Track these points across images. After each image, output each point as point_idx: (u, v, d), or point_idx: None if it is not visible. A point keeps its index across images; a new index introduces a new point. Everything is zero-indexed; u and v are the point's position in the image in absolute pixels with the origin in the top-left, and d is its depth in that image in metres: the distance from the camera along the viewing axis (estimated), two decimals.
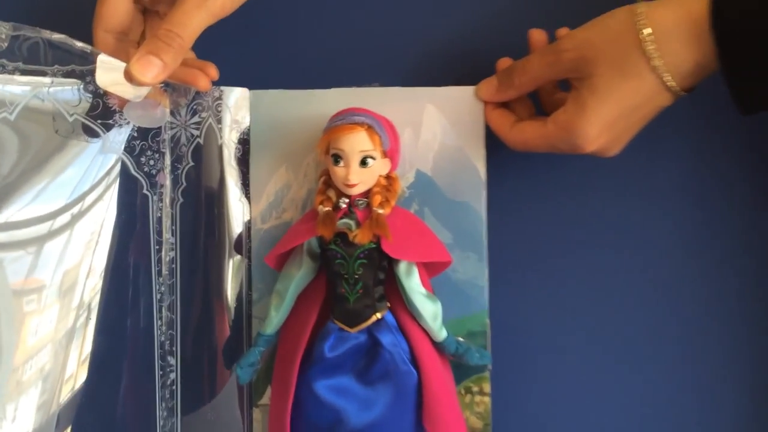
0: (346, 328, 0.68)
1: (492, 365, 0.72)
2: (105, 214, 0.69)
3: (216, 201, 0.75)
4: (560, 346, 0.76)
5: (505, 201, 0.75)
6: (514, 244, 0.76)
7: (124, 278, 0.70)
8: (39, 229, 0.67)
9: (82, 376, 0.68)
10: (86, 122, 0.68)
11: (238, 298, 0.76)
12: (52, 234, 0.68)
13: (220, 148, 0.75)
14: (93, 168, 0.69)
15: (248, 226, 0.76)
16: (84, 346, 0.68)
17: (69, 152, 0.69)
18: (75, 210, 0.69)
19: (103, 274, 0.69)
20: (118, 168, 0.70)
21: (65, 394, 0.68)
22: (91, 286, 0.69)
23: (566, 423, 0.75)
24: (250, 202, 0.75)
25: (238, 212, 0.76)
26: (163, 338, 0.72)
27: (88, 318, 0.69)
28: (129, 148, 0.70)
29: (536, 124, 0.69)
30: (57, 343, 0.67)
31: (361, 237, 0.66)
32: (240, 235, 0.76)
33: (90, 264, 0.69)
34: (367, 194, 0.69)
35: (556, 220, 0.76)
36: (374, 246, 0.67)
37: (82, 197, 0.69)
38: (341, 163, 0.67)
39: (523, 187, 0.76)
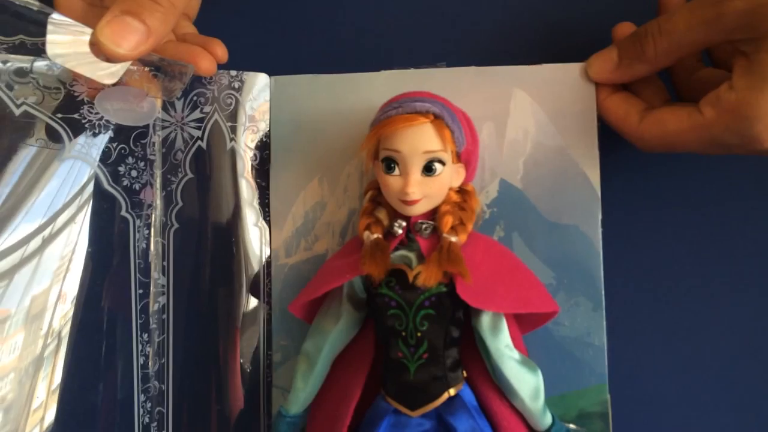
0: (405, 410, 0.47)
1: None
2: (77, 238, 0.50)
3: (224, 227, 0.55)
4: (716, 428, 0.53)
5: (629, 224, 0.53)
6: (643, 285, 0.54)
7: (95, 333, 0.50)
8: (8, 260, 0.48)
9: (52, 406, 0.48)
10: (41, 116, 0.49)
11: (254, 361, 0.55)
12: (22, 263, 0.49)
13: (231, 154, 0.55)
14: (56, 185, 0.50)
15: (268, 260, 0.55)
16: (54, 374, 0.49)
17: (23, 163, 0.49)
18: (45, 233, 0.49)
19: (72, 308, 0.50)
20: (91, 184, 0.50)
21: (33, 425, 0.48)
22: (62, 314, 0.49)
23: None
24: (270, 228, 0.55)
25: (254, 242, 0.56)
26: (147, 419, 0.52)
27: (58, 346, 0.49)
28: (103, 155, 0.51)
29: (682, 112, 0.48)
30: (22, 371, 0.48)
31: (426, 277, 0.46)
32: (257, 274, 0.55)
33: (60, 288, 0.49)
34: (434, 215, 0.48)
35: (701, 250, 0.54)
36: (445, 290, 0.47)
37: (54, 217, 0.49)
38: (396, 171, 0.47)
39: (656, 203, 0.54)
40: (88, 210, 0.51)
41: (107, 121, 0.51)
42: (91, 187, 0.51)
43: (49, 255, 0.49)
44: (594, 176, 0.52)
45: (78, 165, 0.50)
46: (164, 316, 0.53)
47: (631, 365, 0.53)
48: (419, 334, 0.47)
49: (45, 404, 0.50)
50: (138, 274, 0.52)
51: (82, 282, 0.50)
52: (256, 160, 0.56)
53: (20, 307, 0.49)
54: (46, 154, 0.50)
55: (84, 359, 0.50)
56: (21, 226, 0.49)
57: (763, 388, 0.54)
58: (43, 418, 0.50)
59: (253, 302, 0.56)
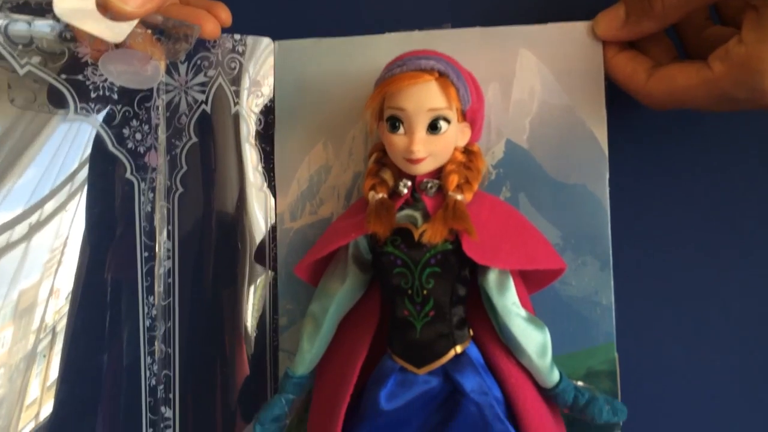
0: (412, 368, 0.47)
1: (624, 422, 0.49)
2: (73, 217, 0.49)
3: (229, 191, 0.55)
4: (722, 396, 0.52)
5: (637, 182, 0.52)
6: (651, 243, 0.53)
7: (98, 301, 0.50)
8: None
9: (48, 402, 0.48)
10: (45, 77, 0.49)
11: (260, 325, 0.55)
12: (7, 247, 0.48)
13: (235, 119, 0.55)
14: (60, 155, 0.50)
15: (273, 225, 0.55)
16: (49, 371, 0.48)
17: (27, 132, 0.49)
18: (33, 219, 0.49)
19: (70, 295, 0.49)
20: (90, 145, 0.50)
21: (26, 421, 0.48)
22: (55, 309, 0.49)
23: None
24: (275, 193, 0.55)
25: (259, 206, 0.55)
26: (153, 381, 0.52)
27: (52, 342, 0.49)
28: (107, 117, 0.51)
29: (691, 68, 0.47)
30: (12, 367, 0.47)
31: (431, 234, 0.45)
32: (262, 239, 0.55)
33: (52, 282, 0.49)
34: (439, 174, 0.48)
35: (710, 208, 0.53)
36: (450, 248, 0.46)
37: (41, 203, 0.49)
38: (401, 129, 0.47)
39: (664, 161, 0.54)
40: (84, 175, 0.50)
41: (111, 83, 0.51)
42: (89, 151, 0.50)
43: (39, 240, 0.49)
44: (601, 135, 0.52)
45: (82, 126, 0.50)
46: (170, 280, 0.53)
47: (639, 324, 0.53)
48: (425, 292, 0.47)
49: (40, 401, 0.49)
50: (143, 237, 0.52)
51: (82, 251, 0.50)
52: (260, 124, 0.56)
53: (7, 300, 0.49)
54: (48, 117, 0.50)
55: (89, 329, 0.50)
56: (17, 191, 0.49)
57: None
58: (38, 414, 0.49)
59: (258, 267, 0.56)
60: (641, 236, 0.54)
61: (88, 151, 0.50)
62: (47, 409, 0.49)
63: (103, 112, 0.51)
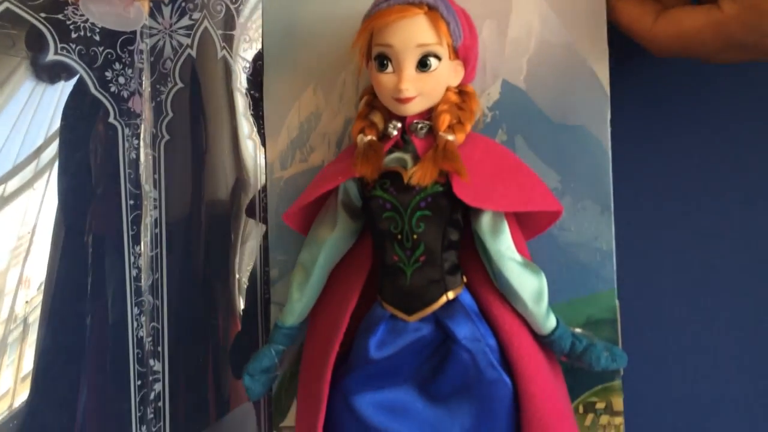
0: (402, 315, 0.45)
1: (626, 368, 0.47)
2: (50, 169, 0.48)
3: (217, 139, 0.53)
4: (723, 342, 0.50)
5: (639, 123, 0.50)
6: (653, 186, 0.50)
7: (79, 260, 0.48)
8: None
9: (23, 393, 0.47)
10: (24, 15, 0.47)
11: (251, 277, 0.54)
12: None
13: (223, 64, 0.53)
14: (33, 101, 0.48)
15: (263, 174, 0.54)
16: (22, 362, 0.47)
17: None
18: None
19: (43, 286, 0.48)
20: (69, 89, 0.48)
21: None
22: (25, 299, 0.48)
23: None
24: (264, 141, 0.53)
25: (248, 155, 0.54)
26: (141, 333, 0.51)
27: (24, 333, 0.47)
28: (89, 59, 0.49)
29: (700, 10, 0.45)
30: None
31: (420, 175, 0.43)
32: (252, 189, 0.54)
33: (21, 271, 0.48)
34: (430, 115, 0.46)
35: (714, 151, 0.51)
36: (441, 190, 0.44)
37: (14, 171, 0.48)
38: (389, 68, 0.45)
39: (668, 101, 0.51)
40: (70, 115, 0.49)
41: (93, 24, 0.49)
42: (66, 93, 0.49)
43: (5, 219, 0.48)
44: (603, 73, 0.49)
45: (63, 67, 0.48)
46: (157, 230, 0.52)
47: (641, 270, 0.50)
48: (415, 237, 0.45)
49: (13, 392, 0.48)
50: (129, 185, 0.50)
51: (60, 210, 0.48)
52: (248, 70, 0.54)
53: None
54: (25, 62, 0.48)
55: (66, 294, 0.49)
56: None
57: None
58: (11, 406, 0.47)
59: (249, 215, 0.54)
60: (643, 179, 0.51)
61: (67, 94, 0.49)
62: (22, 396, 0.47)
63: (85, 53, 0.49)
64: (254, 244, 0.54)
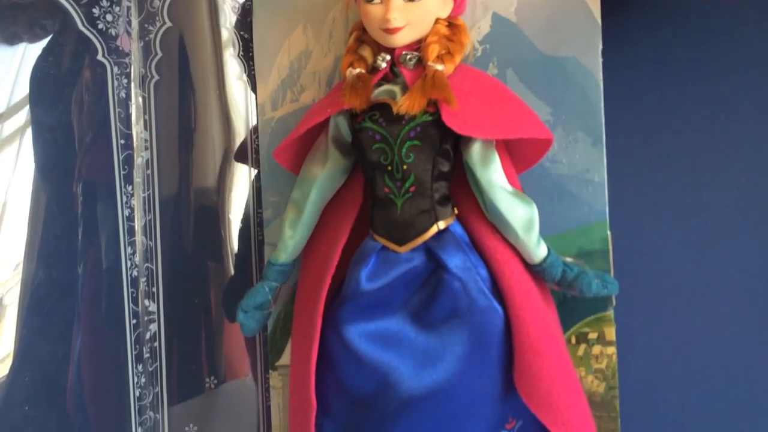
0: (393, 246, 0.45)
1: (618, 298, 0.47)
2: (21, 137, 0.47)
3: (207, 79, 0.53)
4: (715, 273, 0.50)
5: (631, 53, 0.49)
6: (645, 117, 0.50)
7: (70, 206, 0.48)
8: None
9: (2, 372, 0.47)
10: None
11: (244, 219, 0.54)
12: None
13: (211, 3, 0.53)
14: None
15: (254, 115, 0.53)
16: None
17: None
18: None
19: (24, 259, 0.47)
20: (56, 26, 0.48)
21: None
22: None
23: (724, 379, 0.50)
24: (255, 82, 0.53)
25: (239, 96, 0.54)
26: (135, 273, 0.51)
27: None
28: None
29: None
30: None
31: (409, 104, 0.43)
32: (243, 130, 0.54)
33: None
34: (419, 46, 0.45)
35: (708, 81, 0.50)
36: (430, 119, 0.44)
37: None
38: None
39: (662, 31, 0.51)
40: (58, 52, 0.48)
41: None
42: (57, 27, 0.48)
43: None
44: (594, 3, 0.48)
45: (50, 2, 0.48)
46: (148, 171, 0.52)
47: (633, 202, 0.50)
48: (405, 167, 0.45)
49: None
50: (119, 124, 0.50)
51: (45, 149, 0.48)
52: (237, 10, 0.53)
53: None
54: None
55: (62, 240, 0.49)
56: None
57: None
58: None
59: (240, 158, 0.54)
60: (635, 111, 0.51)
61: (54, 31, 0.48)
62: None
63: None
64: (246, 186, 0.54)
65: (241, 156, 0.54)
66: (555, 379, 0.43)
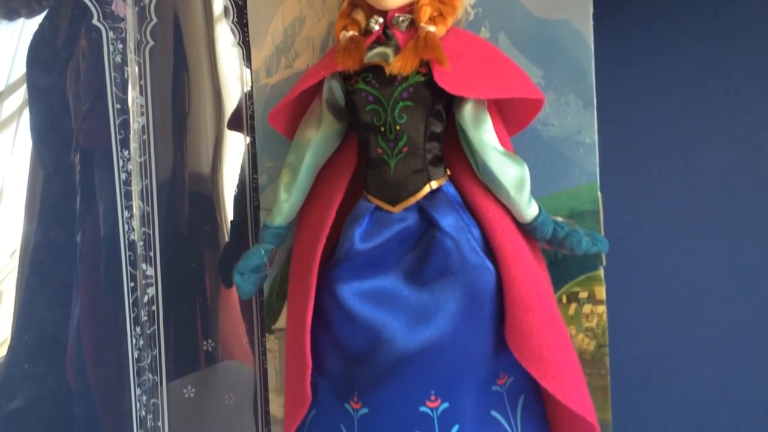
0: (387, 206, 0.46)
1: (608, 257, 0.48)
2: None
3: (201, 46, 0.53)
4: (704, 230, 0.51)
5: (622, 15, 0.50)
6: (637, 79, 0.51)
7: (66, 175, 0.49)
8: None
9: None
10: None
11: (240, 185, 0.55)
12: None
13: None
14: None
15: (249, 82, 0.54)
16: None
17: None
18: None
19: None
20: None
21: None
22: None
23: (712, 336, 0.50)
24: (249, 49, 0.54)
25: (233, 63, 0.54)
26: (133, 237, 0.51)
27: None
28: None
29: None
30: None
31: (401, 65, 0.44)
32: (238, 102, 0.54)
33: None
34: (411, 9, 0.46)
35: (701, 44, 0.51)
36: (423, 80, 0.45)
37: None
38: None
39: None
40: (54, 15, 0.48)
41: None
42: None
43: None
44: None
45: None
46: (144, 137, 0.52)
47: (623, 163, 0.51)
48: (398, 128, 0.45)
49: None
50: (114, 89, 0.50)
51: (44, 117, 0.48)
52: None
53: None
54: None
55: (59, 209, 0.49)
56: None
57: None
58: None
59: (235, 124, 0.55)
60: (626, 73, 0.51)
61: None
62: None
63: None
64: (242, 152, 0.55)
65: (236, 122, 0.55)
66: (545, 333, 0.43)
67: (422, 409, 0.45)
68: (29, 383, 0.44)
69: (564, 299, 0.50)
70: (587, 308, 0.49)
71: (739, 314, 0.49)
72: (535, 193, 0.46)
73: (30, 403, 0.44)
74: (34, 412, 0.44)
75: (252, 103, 0.54)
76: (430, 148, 0.46)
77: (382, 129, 0.45)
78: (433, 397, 0.45)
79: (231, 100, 0.54)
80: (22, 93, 0.49)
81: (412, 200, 0.45)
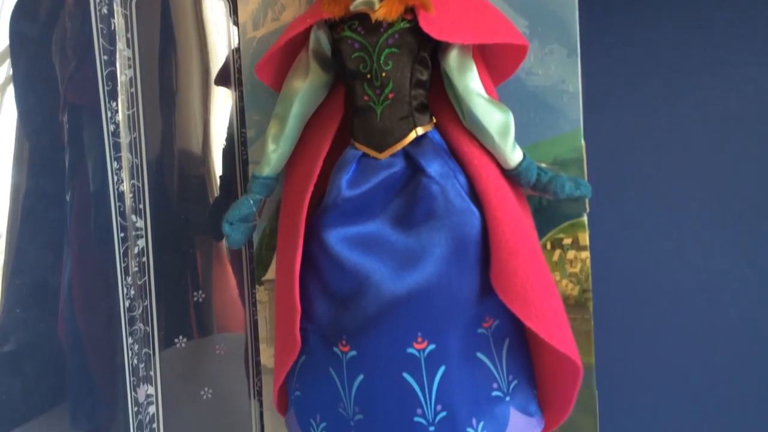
0: (373, 152, 0.46)
1: (591, 204, 0.48)
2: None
3: (187, 1, 0.53)
4: (687, 176, 0.52)
5: None
6: (621, 27, 0.51)
7: (55, 132, 0.49)
8: None
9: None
10: None
11: (228, 139, 0.55)
12: None
13: None
14: None
15: (235, 35, 0.54)
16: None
17: None
18: None
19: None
20: None
21: None
22: None
23: (694, 279, 0.52)
24: (235, 2, 0.54)
25: (220, 16, 0.54)
26: (122, 188, 0.52)
27: None
28: None
29: None
30: None
31: (386, 11, 0.44)
32: (225, 50, 0.54)
33: None
34: None
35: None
36: (408, 26, 0.45)
37: None
38: None
39: None
40: None
41: None
42: None
43: None
44: None
45: None
46: (132, 89, 0.52)
47: (607, 111, 0.52)
48: (384, 74, 0.46)
49: None
50: (102, 40, 0.50)
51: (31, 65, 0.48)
52: None
53: None
54: None
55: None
56: None
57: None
58: None
59: (223, 78, 0.55)
60: (610, 22, 0.52)
61: None
62: None
63: None
64: (230, 106, 0.55)
65: (224, 77, 0.55)
66: (529, 275, 0.44)
67: (409, 350, 0.45)
68: (22, 328, 0.45)
69: (548, 246, 0.51)
70: (571, 254, 0.50)
71: (720, 258, 0.50)
72: (519, 141, 0.47)
73: (23, 348, 0.44)
74: (27, 357, 0.45)
75: (239, 57, 0.54)
76: (415, 95, 0.46)
77: (369, 76, 0.46)
78: (420, 339, 0.45)
79: (218, 54, 0.55)
80: (6, 41, 0.48)
81: (399, 146, 0.46)
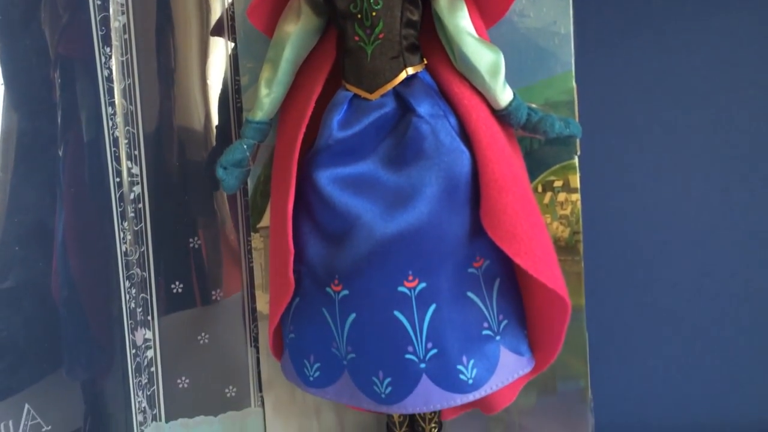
0: (364, 93, 0.46)
1: (582, 146, 0.49)
2: None
3: None
4: (679, 119, 0.52)
5: None
6: None
7: (46, 92, 0.49)
8: None
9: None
10: None
11: (223, 86, 0.55)
12: None
13: None
14: None
15: None
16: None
17: None
18: None
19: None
20: None
21: None
22: None
23: (681, 220, 0.52)
24: None
25: None
26: (117, 134, 0.52)
27: None
28: None
29: None
30: None
31: None
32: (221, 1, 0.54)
33: None
34: None
35: None
36: None
37: None
38: None
39: None
40: None
41: None
42: None
43: None
44: None
45: None
46: (126, 36, 0.52)
47: (598, 52, 0.52)
48: (374, 14, 0.46)
49: None
50: None
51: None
52: None
53: None
54: None
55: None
56: None
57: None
58: None
59: (217, 28, 0.55)
60: None
61: None
62: None
63: None
64: (224, 54, 0.55)
65: (218, 25, 0.55)
66: (518, 212, 0.45)
67: (400, 288, 0.46)
68: (20, 265, 0.46)
69: (539, 188, 0.51)
70: (562, 197, 0.51)
71: (711, 200, 0.50)
72: (511, 83, 0.47)
73: (21, 285, 0.45)
74: (25, 294, 0.45)
75: (232, 3, 0.55)
76: (406, 35, 0.46)
77: (359, 16, 0.46)
78: (411, 277, 0.46)
79: (214, 1, 0.55)
80: None
81: (389, 86, 0.46)
